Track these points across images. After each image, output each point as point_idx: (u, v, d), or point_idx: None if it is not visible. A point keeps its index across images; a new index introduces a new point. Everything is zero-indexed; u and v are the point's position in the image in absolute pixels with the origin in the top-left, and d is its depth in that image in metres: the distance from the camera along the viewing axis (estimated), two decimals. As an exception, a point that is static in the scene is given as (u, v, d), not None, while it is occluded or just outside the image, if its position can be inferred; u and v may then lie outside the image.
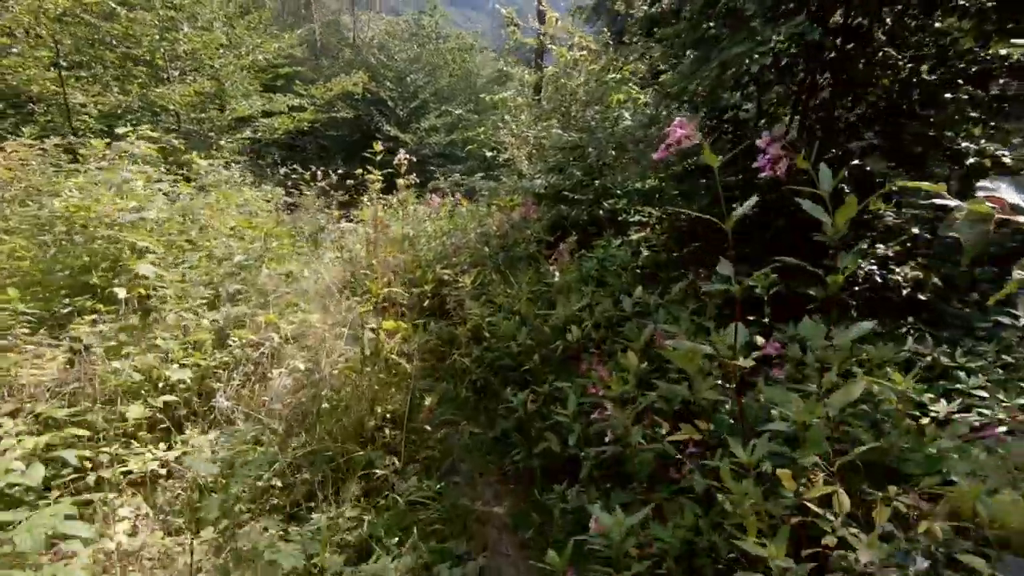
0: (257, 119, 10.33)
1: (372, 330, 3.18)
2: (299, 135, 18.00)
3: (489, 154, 9.22)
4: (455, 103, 17.78)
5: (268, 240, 4.06)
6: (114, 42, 6.95)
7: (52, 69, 6.29)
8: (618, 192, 5.31)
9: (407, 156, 7.21)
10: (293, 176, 7.66)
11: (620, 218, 5.48)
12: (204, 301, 3.40)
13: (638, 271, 4.33)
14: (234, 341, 2.96)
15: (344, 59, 18.17)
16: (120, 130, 4.49)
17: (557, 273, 3.70)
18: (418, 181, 9.84)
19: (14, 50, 6.73)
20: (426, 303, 4.82)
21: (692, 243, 4.33)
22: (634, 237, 5.34)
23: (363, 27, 24.27)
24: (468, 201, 9.07)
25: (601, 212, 5.49)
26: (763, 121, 4.15)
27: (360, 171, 7.83)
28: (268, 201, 6.35)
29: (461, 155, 17.34)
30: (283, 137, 11.75)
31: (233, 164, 9.22)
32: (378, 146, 7.75)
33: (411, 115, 16.45)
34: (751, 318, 2.91)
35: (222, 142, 8.09)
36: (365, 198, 8.50)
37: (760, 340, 2.44)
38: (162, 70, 7.44)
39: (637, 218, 5.46)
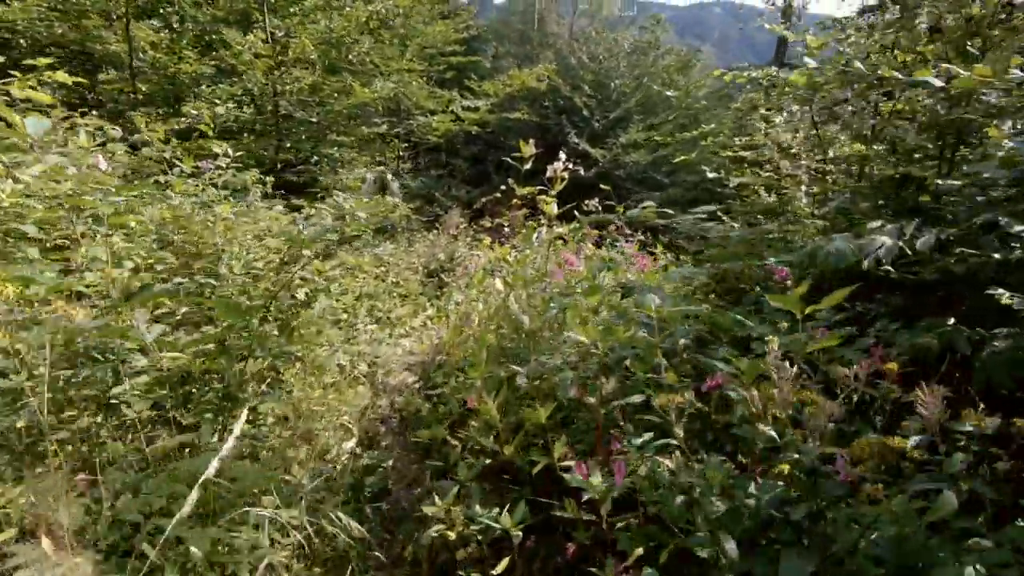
0: (413, 117, 8.31)
1: None
2: (484, 144, 16.37)
3: (711, 175, 5.77)
4: (665, 116, 14.46)
5: None
6: (201, -11, 5.38)
7: (117, 21, 4.81)
8: None
9: (566, 164, 4.21)
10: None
11: None
12: None
13: None
14: None
15: (544, 59, 16.06)
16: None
17: None
18: (599, 208, 6.83)
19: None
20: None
21: None
22: None
23: (579, 41, 22.42)
24: (666, 253, 5.69)
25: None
26: None
27: (527, 187, 5.08)
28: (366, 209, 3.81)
29: (663, 180, 13.90)
30: (441, 142, 9.70)
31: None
32: (528, 148, 4.91)
33: (608, 128, 13.52)
34: None
35: (333, 135, 6.03)
36: (507, 228, 5.73)
37: None
38: (258, 25, 5.62)
39: None
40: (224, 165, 3.05)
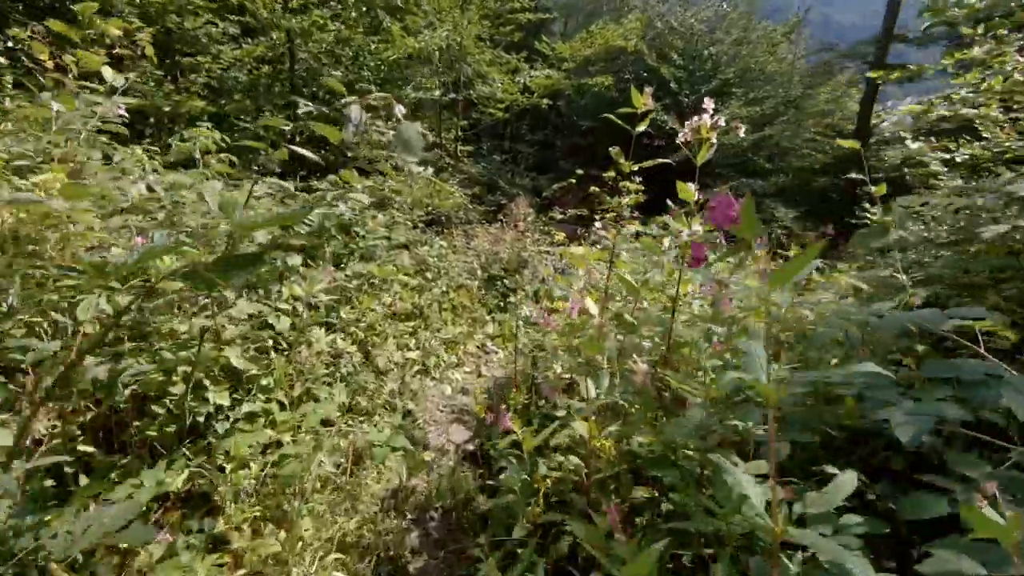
0: (472, 86, 6.85)
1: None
2: (552, 129, 14.79)
3: (914, 142, 3.94)
4: (767, 90, 12.28)
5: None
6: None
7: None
8: None
9: (715, 119, 2.70)
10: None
11: None
12: None
13: None
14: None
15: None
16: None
17: None
18: (700, 199, 5.01)
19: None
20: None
21: None
22: None
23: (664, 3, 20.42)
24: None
25: None
26: None
27: (618, 173, 3.54)
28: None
29: (765, 165, 11.78)
30: (505, 117, 8.18)
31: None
32: (642, 99, 3.40)
33: (699, 104, 11.53)
34: None
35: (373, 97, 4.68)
36: (596, 223, 4.14)
37: None
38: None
39: None
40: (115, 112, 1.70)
